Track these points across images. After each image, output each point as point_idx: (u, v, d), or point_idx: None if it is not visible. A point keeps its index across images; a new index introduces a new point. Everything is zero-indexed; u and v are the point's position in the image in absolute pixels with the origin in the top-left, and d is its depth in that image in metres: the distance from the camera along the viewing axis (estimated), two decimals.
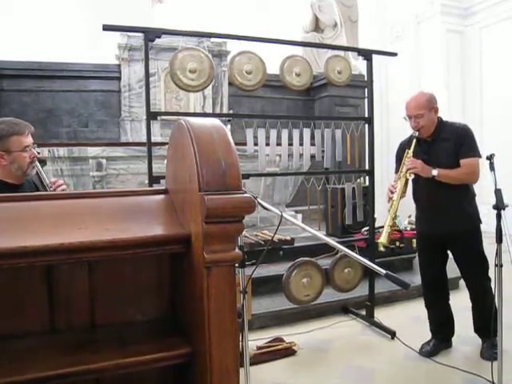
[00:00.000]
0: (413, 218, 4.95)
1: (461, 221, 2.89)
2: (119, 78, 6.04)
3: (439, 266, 3.08)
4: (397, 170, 2.99)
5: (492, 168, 2.53)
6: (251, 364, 2.28)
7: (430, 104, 2.87)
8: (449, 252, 3.07)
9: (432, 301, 3.14)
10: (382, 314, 3.67)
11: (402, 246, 4.66)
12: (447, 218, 2.89)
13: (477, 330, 3.05)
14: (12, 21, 6.93)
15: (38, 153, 2.29)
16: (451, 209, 2.87)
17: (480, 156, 2.82)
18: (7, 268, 1.12)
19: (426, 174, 2.81)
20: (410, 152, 2.89)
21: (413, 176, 2.85)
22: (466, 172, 2.81)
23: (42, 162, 2.31)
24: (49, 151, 4.51)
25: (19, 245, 1.07)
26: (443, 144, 2.87)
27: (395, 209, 2.85)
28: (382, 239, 2.87)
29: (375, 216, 3.78)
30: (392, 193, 2.88)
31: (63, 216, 1.24)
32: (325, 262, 3.64)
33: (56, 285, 1.28)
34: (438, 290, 3.11)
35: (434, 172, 2.78)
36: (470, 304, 3.03)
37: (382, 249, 2.97)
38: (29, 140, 2.23)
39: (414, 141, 2.90)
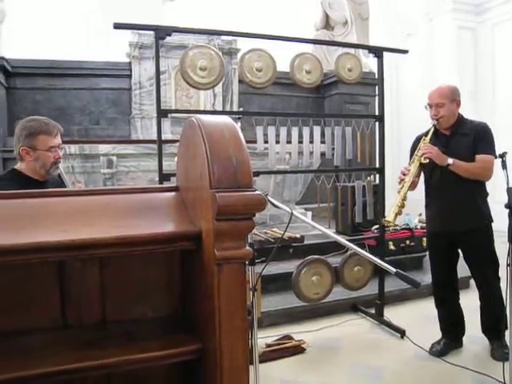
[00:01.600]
0: (423, 217, 4.93)
1: (474, 218, 2.87)
2: (130, 76, 6.07)
3: (450, 264, 3.06)
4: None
5: (504, 166, 2.51)
6: (260, 361, 2.28)
7: (453, 95, 2.87)
8: (459, 251, 3.05)
9: (442, 300, 3.12)
10: (391, 313, 3.66)
11: (412, 244, 4.64)
12: (461, 215, 2.87)
13: (485, 330, 3.03)
14: (24, 19, 6.98)
15: (65, 150, 2.34)
16: (465, 206, 2.86)
17: (496, 156, 2.81)
18: (20, 264, 1.13)
19: (440, 161, 2.80)
20: (427, 139, 2.90)
21: (427, 161, 2.83)
22: (480, 166, 2.79)
23: None
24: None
25: (32, 241, 1.08)
26: (462, 139, 2.87)
27: (405, 190, 2.84)
28: (389, 218, 2.86)
29: (385, 214, 3.76)
30: (404, 175, 2.87)
31: (75, 212, 1.25)
32: (334, 260, 3.64)
33: (67, 281, 1.29)
34: (448, 289, 3.09)
35: (450, 160, 2.77)
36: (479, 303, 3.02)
37: (389, 222, 2.91)
38: (56, 141, 2.27)
39: (432, 130, 2.90)
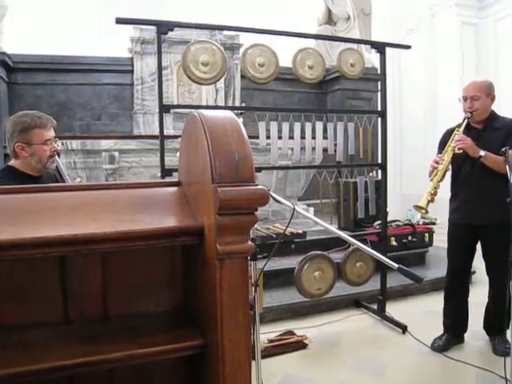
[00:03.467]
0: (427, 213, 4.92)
1: (500, 213, 2.86)
2: (132, 72, 6.07)
3: (469, 259, 3.06)
4: (440, 153, 2.97)
5: (507, 162, 2.50)
6: (262, 357, 2.28)
7: (488, 90, 2.89)
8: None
9: (454, 294, 3.12)
10: (393, 309, 3.66)
11: (414, 240, 4.64)
12: (487, 208, 2.87)
13: (489, 327, 3.03)
14: (25, 14, 6.96)
15: (62, 144, 2.32)
16: (492, 200, 2.85)
17: None
18: (22, 259, 1.13)
19: (473, 152, 2.79)
20: (461, 130, 2.89)
21: (461, 151, 2.81)
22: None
23: (57, 154, 2.33)
24: (62, 144, 4.55)
25: (34, 235, 1.08)
26: (493, 134, 2.87)
27: (439, 178, 2.82)
28: (421, 203, 2.83)
29: (387, 210, 3.75)
30: (437, 163, 2.86)
31: (77, 207, 1.25)
32: (337, 255, 3.63)
33: (70, 276, 1.29)
34: (461, 283, 3.09)
35: (482, 152, 2.76)
36: (486, 300, 3.01)
37: (421, 208, 2.88)
38: (50, 134, 2.25)
39: (465, 123, 2.89)
